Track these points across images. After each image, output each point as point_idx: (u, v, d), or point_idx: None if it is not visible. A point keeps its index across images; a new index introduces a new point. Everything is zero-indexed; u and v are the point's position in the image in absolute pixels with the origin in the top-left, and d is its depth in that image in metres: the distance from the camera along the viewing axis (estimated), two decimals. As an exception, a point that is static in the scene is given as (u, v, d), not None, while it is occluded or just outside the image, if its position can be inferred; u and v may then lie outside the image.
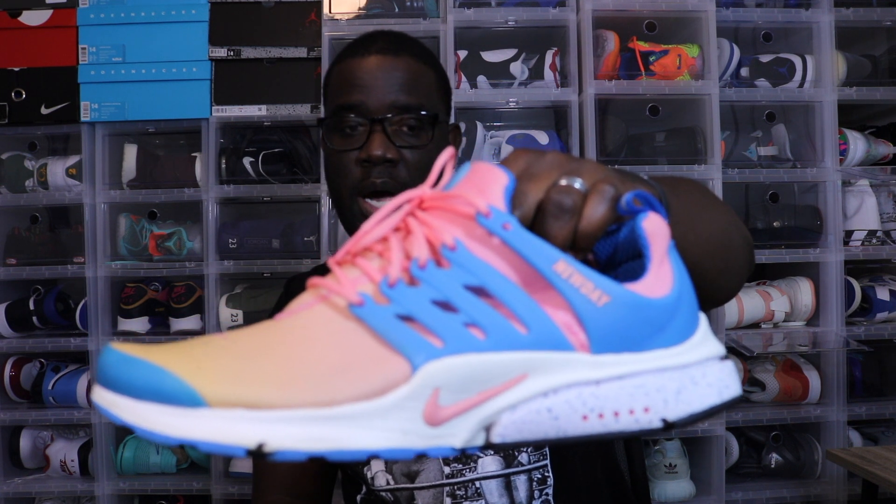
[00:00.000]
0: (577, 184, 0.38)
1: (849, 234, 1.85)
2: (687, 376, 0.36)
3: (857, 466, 1.50)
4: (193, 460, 1.92)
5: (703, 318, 0.38)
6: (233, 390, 0.31)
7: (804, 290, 1.83)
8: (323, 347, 0.33)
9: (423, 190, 0.38)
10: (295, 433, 0.31)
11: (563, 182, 0.38)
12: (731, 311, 1.81)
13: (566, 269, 0.34)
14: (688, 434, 1.79)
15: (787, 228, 1.84)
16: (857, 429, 1.91)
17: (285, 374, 0.32)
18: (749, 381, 1.88)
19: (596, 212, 0.38)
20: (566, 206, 0.37)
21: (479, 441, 0.35)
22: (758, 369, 1.88)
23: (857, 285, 1.86)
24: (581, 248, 0.38)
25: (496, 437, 0.34)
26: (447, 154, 0.39)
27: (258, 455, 0.31)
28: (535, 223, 0.38)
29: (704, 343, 0.37)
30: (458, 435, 0.34)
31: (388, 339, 0.33)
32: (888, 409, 1.86)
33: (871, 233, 1.86)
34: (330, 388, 0.32)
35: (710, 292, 0.62)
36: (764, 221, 1.86)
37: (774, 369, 1.88)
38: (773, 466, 1.86)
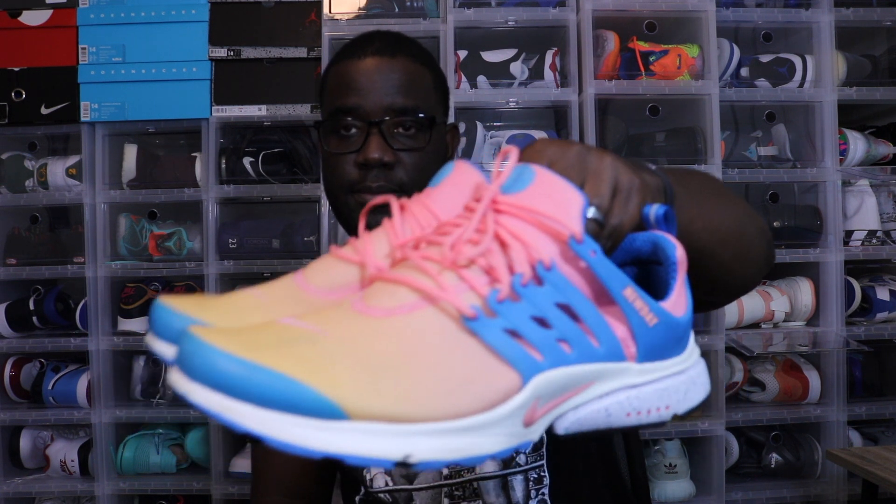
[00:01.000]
0: (596, 214, 0.42)
1: (849, 234, 1.85)
2: (690, 378, 0.44)
3: (857, 466, 1.50)
4: (193, 460, 1.92)
5: (691, 331, 0.46)
6: (375, 404, 0.32)
7: (804, 290, 1.83)
8: (446, 360, 0.35)
9: (493, 189, 0.40)
10: (434, 445, 0.33)
11: (589, 214, 0.42)
12: (731, 311, 1.81)
13: (632, 294, 0.40)
14: (688, 434, 1.79)
15: (787, 228, 1.84)
16: (857, 429, 1.91)
17: (420, 389, 0.34)
18: (749, 381, 1.88)
19: (620, 231, 0.44)
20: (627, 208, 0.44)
21: (542, 432, 0.40)
22: (758, 369, 1.88)
23: (857, 285, 1.86)
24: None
25: (560, 430, 0.40)
26: (513, 155, 0.41)
27: (403, 465, 0.32)
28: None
29: (694, 349, 0.46)
30: (537, 431, 0.39)
31: (500, 352, 0.36)
32: (888, 409, 1.86)
33: (871, 233, 1.86)
34: (458, 401, 0.35)
35: (724, 282, 0.62)
36: (764, 221, 1.85)
37: (774, 369, 1.88)
38: (773, 466, 1.86)
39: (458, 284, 0.37)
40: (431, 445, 0.33)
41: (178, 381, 0.32)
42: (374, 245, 0.45)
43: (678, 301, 0.43)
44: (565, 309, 0.38)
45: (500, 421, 0.36)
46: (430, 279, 0.37)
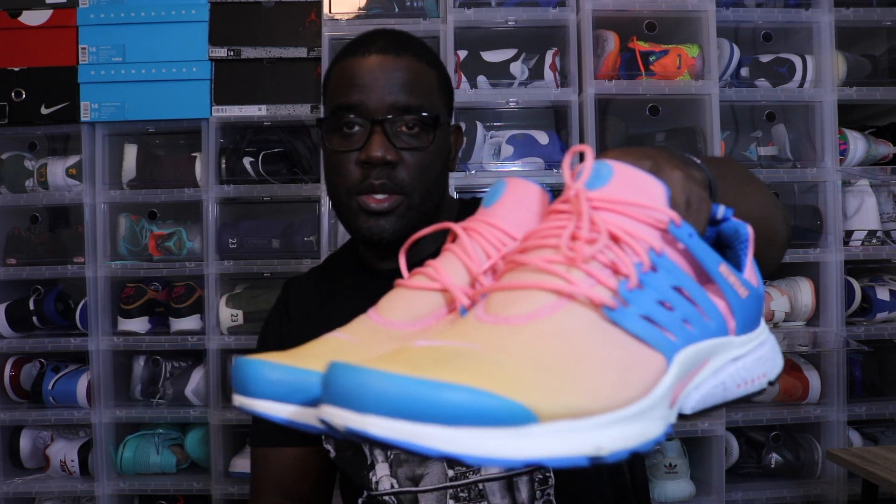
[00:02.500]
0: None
1: (849, 234, 1.85)
2: (773, 346, 0.48)
3: (857, 466, 1.50)
4: (193, 460, 1.92)
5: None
6: (560, 403, 0.32)
7: (804, 290, 1.83)
8: (603, 352, 0.37)
9: (581, 188, 0.41)
10: (618, 434, 0.34)
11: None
12: (731, 311, 1.80)
13: (726, 270, 0.43)
14: (688, 434, 1.79)
15: (787, 228, 1.84)
16: (857, 429, 1.91)
17: (592, 382, 0.35)
18: (749, 381, 1.88)
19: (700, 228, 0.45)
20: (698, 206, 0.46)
21: (677, 414, 0.41)
22: (758, 369, 1.88)
23: (857, 285, 1.86)
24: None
25: (688, 410, 0.42)
26: (589, 153, 0.42)
27: (596, 460, 0.32)
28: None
29: (765, 326, 0.49)
30: (675, 413, 0.40)
31: (644, 337, 0.38)
32: (888, 409, 1.86)
33: (871, 233, 1.86)
34: (626, 389, 0.36)
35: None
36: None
37: (774, 369, 1.88)
38: (773, 466, 1.86)
39: (586, 280, 0.39)
40: (616, 435, 0.34)
41: (345, 417, 0.30)
42: (448, 270, 0.47)
43: (751, 274, 0.46)
44: (679, 291, 0.40)
45: (658, 402, 0.37)
46: (560, 279, 0.38)
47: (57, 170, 1.88)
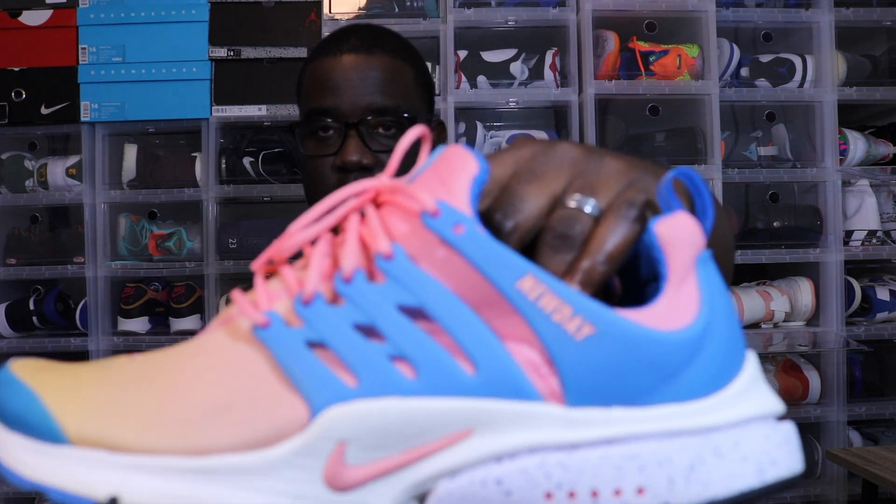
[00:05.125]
0: (589, 207, 0.29)
1: (849, 234, 1.85)
2: (709, 445, 0.25)
3: (857, 466, 1.50)
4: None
5: (751, 359, 0.28)
6: (94, 426, 0.25)
7: (804, 290, 1.83)
8: (210, 379, 0.26)
9: (382, 180, 0.29)
10: (153, 487, 0.24)
11: (572, 203, 0.29)
12: (731, 311, 1.80)
13: (535, 287, 0.25)
14: (688, 434, 1.79)
15: (787, 228, 1.84)
16: (857, 429, 1.91)
17: (154, 410, 0.25)
18: (749, 381, 1.88)
19: (610, 240, 0.28)
20: (571, 236, 0.29)
21: None
22: (758, 369, 1.88)
23: (857, 285, 1.86)
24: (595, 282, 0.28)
25: None
26: (414, 133, 0.30)
27: None
28: (534, 246, 0.29)
29: (747, 396, 0.27)
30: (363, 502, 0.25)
31: (287, 371, 0.25)
32: (888, 409, 1.86)
33: (871, 233, 1.86)
34: (204, 432, 0.25)
35: None
36: (764, 221, 1.86)
37: (774, 369, 1.88)
38: (773, 466, 1.86)
39: (277, 291, 0.28)
40: (148, 486, 0.24)
41: None
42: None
43: (674, 303, 0.26)
44: (415, 314, 0.26)
45: (271, 470, 0.25)
46: (252, 291, 0.28)
47: (57, 170, 1.88)
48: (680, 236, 0.27)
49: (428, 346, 0.25)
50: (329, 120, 0.84)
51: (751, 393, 0.27)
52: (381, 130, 0.84)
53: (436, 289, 0.26)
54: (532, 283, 0.25)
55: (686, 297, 0.26)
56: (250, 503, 0.25)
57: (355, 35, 0.87)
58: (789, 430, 0.27)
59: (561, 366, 0.25)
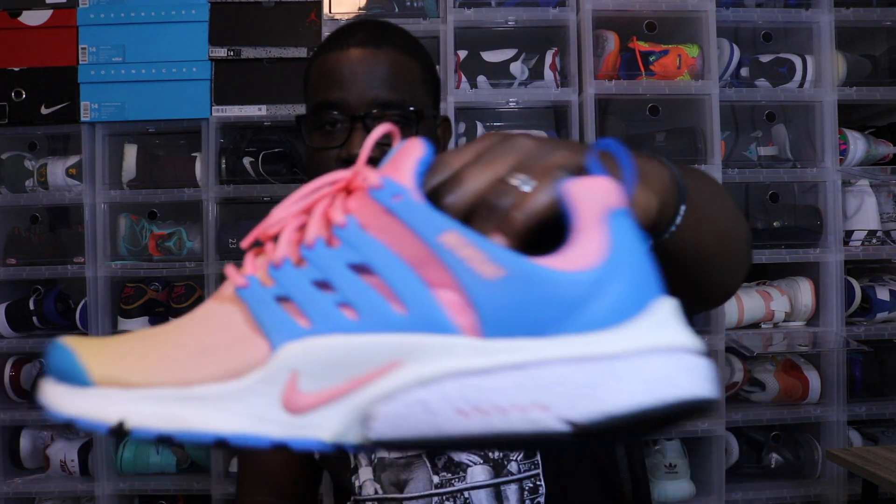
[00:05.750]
0: (528, 186, 0.33)
1: (849, 234, 1.85)
2: (609, 369, 0.29)
3: (857, 466, 1.50)
4: (193, 460, 1.92)
5: (665, 303, 0.31)
6: (112, 371, 0.32)
7: (804, 290, 1.83)
8: (199, 330, 0.33)
9: (352, 169, 0.35)
10: (150, 411, 0.31)
11: (514, 182, 0.34)
12: (731, 311, 1.80)
13: (455, 240, 0.30)
14: (688, 434, 1.79)
15: (787, 228, 1.84)
16: (857, 429, 1.91)
17: (155, 355, 0.32)
18: (749, 381, 1.88)
19: (529, 201, 0.33)
20: (498, 206, 0.33)
21: (354, 436, 0.31)
22: (758, 369, 1.88)
23: (857, 285, 1.86)
24: (509, 234, 0.33)
25: (373, 433, 0.31)
26: (380, 130, 0.36)
27: (119, 433, 0.31)
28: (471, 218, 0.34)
29: (656, 331, 0.29)
30: (325, 427, 0.31)
31: (257, 319, 0.32)
32: (888, 409, 1.86)
33: (871, 233, 1.86)
34: (191, 369, 0.32)
35: (712, 289, 0.60)
36: (764, 221, 1.86)
37: (774, 369, 1.88)
38: (773, 466, 1.86)
39: (260, 263, 0.34)
40: (147, 411, 0.31)
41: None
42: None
43: (582, 249, 0.30)
44: (360, 269, 0.32)
45: (240, 395, 0.31)
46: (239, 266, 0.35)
47: (57, 170, 1.88)
48: (586, 194, 0.31)
49: (368, 293, 0.31)
50: (335, 113, 0.84)
51: (661, 329, 0.30)
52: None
53: (378, 248, 0.32)
54: (453, 237, 0.31)
55: (592, 244, 0.30)
56: (223, 421, 0.31)
57: (363, 30, 0.87)
58: (699, 361, 0.29)
59: (477, 304, 0.30)
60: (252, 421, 0.31)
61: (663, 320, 0.30)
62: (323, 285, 0.32)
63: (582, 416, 0.28)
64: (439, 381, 0.30)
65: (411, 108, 0.85)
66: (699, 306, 0.66)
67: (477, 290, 0.30)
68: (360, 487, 0.86)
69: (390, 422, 0.30)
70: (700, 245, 0.51)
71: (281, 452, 0.95)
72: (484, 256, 0.30)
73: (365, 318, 0.31)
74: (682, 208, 0.46)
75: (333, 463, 0.88)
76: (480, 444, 0.30)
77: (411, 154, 0.33)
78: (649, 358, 0.29)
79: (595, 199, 0.31)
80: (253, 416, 0.31)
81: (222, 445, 0.31)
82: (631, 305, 0.30)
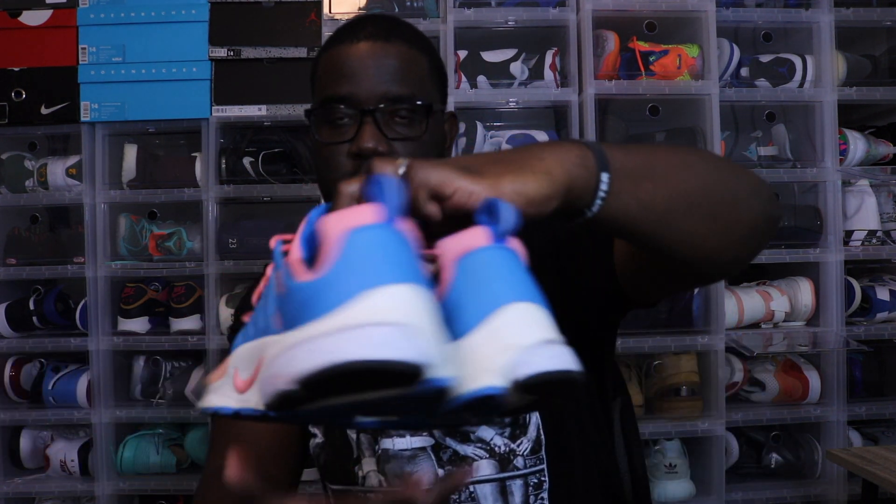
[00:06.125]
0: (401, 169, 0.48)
1: (849, 234, 1.85)
2: (307, 346, 0.37)
3: (857, 466, 1.50)
4: (193, 460, 1.92)
5: (388, 290, 0.38)
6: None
7: (804, 290, 1.83)
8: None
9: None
10: (212, 399, 0.49)
11: (400, 170, 0.48)
12: (731, 311, 1.81)
13: (271, 270, 0.46)
14: (688, 434, 1.79)
15: (787, 228, 1.84)
16: (857, 429, 1.91)
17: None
18: (749, 381, 1.88)
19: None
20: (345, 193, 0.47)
21: (263, 405, 0.42)
22: (758, 369, 1.88)
23: (857, 285, 1.86)
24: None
25: (263, 403, 0.41)
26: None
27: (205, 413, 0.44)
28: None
29: (355, 314, 0.37)
30: (253, 400, 0.44)
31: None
32: (888, 409, 1.86)
33: (871, 233, 1.86)
34: (212, 378, 0.50)
35: (691, 253, 0.61)
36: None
37: (774, 369, 1.88)
38: (773, 466, 1.86)
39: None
40: (211, 399, 0.49)
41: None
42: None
43: (321, 266, 0.40)
44: (264, 298, 0.48)
45: (225, 383, 0.47)
46: None
47: (57, 170, 1.88)
48: (326, 223, 0.41)
49: (256, 314, 0.48)
50: (344, 107, 0.84)
51: (363, 311, 0.37)
52: (396, 118, 0.84)
53: (268, 286, 0.48)
54: (269, 269, 0.48)
55: (327, 259, 0.40)
56: (216, 400, 0.47)
57: (372, 23, 0.87)
58: (376, 331, 0.36)
59: (281, 310, 0.43)
60: (225, 399, 0.47)
61: (372, 305, 0.37)
62: (255, 316, 0.48)
63: (285, 384, 0.38)
64: (272, 357, 0.41)
65: (420, 102, 0.84)
66: (693, 278, 0.69)
67: (279, 302, 0.44)
68: (364, 478, 0.86)
69: (264, 392, 0.41)
70: (653, 208, 0.56)
71: (272, 430, 0.92)
72: (281, 279, 0.44)
73: (252, 330, 0.47)
74: (605, 176, 0.53)
75: (335, 451, 0.88)
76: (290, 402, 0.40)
77: (304, 224, 0.47)
78: (337, 335, 0.37)
79: (333, 225, 0.41)
80: (231, 397, 0.47)
81: (217, 415, 0.47)
82: (345, 297, 0.38)
